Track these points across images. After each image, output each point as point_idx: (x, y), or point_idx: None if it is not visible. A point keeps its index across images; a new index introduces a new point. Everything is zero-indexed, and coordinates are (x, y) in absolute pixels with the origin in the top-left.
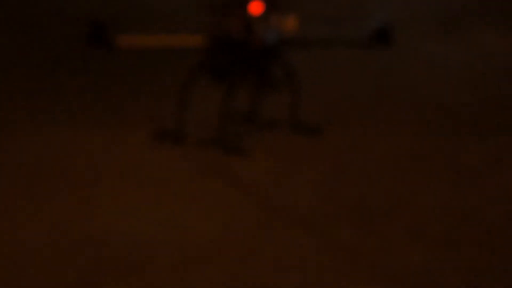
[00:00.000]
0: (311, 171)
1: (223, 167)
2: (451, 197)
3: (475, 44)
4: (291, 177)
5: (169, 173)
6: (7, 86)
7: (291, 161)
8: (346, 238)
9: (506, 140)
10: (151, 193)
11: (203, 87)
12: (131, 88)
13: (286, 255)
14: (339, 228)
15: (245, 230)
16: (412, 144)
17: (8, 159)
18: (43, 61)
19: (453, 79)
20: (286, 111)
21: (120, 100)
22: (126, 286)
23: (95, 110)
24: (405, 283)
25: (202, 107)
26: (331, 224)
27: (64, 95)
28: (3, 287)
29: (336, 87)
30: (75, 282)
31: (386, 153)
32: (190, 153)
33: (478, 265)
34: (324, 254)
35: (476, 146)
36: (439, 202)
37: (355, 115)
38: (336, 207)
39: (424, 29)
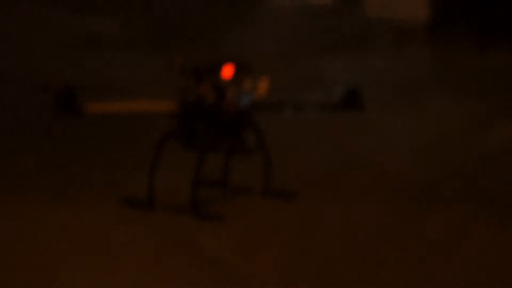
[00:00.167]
0: (278, 246)
1: (190, 241)
2: (417, 269)
3: (432, 110)
4: (258, 253)
5: (135, 248)
6: None
7: (259, 233)
8: None
9: (468, 208)
10: (115, 271)
11: (174, 153)
12: (99, 156)
13: None
14: None
15: None
16: (377, 213)
17: None
18: (5, 131)
19: (413, 146)
20: (258, 176)
21: (86, 169)
22: None
23: (61, 181)
24: None
25: (173, 173)
26: None
27: (29, 167)
28: None
29: (306, 153)
30: None
31: (352, 224)
32: (158, 224)
33: None
34: None
35: (441, 214)
36: (405, 277)
37: (324, 182)
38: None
39: (385, 95)
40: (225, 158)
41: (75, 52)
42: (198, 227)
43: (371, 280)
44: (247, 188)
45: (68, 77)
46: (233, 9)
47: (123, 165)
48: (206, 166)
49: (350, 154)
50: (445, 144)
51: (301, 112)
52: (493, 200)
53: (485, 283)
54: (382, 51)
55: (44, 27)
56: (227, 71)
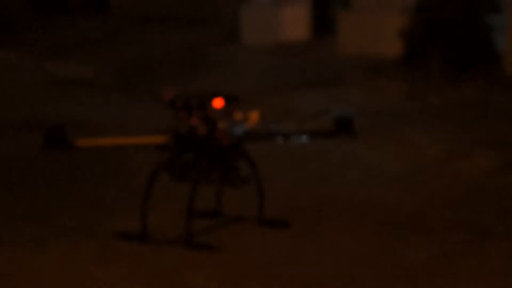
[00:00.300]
0: (271, 276)
1: (182, 273)
2: None
3: (411, 141)
4: (251, 285)
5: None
6: None
7: (253, 264)
8: None
9: (449, 237)
10: None
11: (166, 186)
12: (86, 192)
13: None
14: None
15: None
16: (362, 243)
17: None
18: None
19: (395, 176)
20: (250, 205)
21: (71, 207)
22: None
23: (41, 223)
24: None
25: (165, 205)
26: None
27: (8, 206)
28: None
29: (297, 181)
30: None
31: (340, 255)
32: (150, 258)
33: None
34: None
35: (426, 243)
36: None
37: (310, 212)
38: None
39: (364, 127)
40: (217, 188)
41: (56, 93)
42: (191, 258)
43: None
44: (240, 217)
45: (54, 115)
46: (205, 49)
47: (112, 199)
48: (198, 197)
49: (335, 183)
50: (426, 173)
51: (292, 140)
52: (477, 229)
53: None
54: (357, 86)
55: (21, 72)
56: (218, 102)
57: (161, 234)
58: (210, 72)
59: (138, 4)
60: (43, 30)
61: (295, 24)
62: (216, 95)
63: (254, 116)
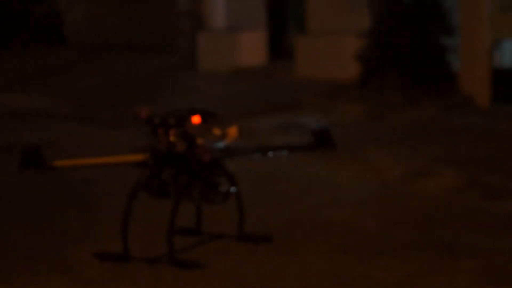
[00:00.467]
0: None
1: None
2: None
3: (371, 162)
4: None
5: None
6: None
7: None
8: None
9: (417, 257)
10: None
11: (146, 204)
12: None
13: None
14: None
15: None
16: (329, 264)
17: None
18: None
19: (359, 196)
20: (231, 221)
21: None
22: None
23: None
24: None
25: (146, 224)
26: None
27: None
28: None
29: (261, 204)
30: None
31: (310, 277)
32: (133, 277)
33: None
34: None
35: (391, 264)
36: None
37: (277, 235)
38: None
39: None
40: (197, 205)
41: (14, 122)
42: (174, 276)
43: None
44: (220, 233)
45: (28, 139)
46: (163, 77)
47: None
48: (179, 214)
49: (300, 205)
50: (390, 193)
51: (270, 155)
52: (444, 248)
53: None
54: (316, 109)
55: None
56: (196, 119)
57: (143, 252)
58: (169, 99)
59: (93, 33)
60: None
61: (251, 49)
62: (193, 112)
63: (232, 132)
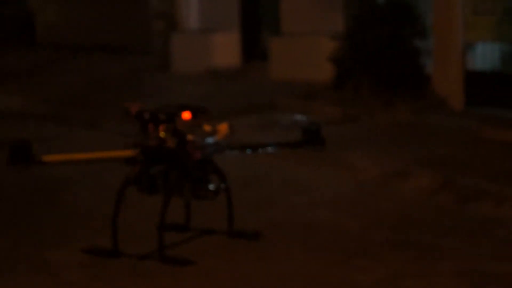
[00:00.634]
0: None
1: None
2: None
3: (348, 163)
4: None
5: None
6: None
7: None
8: None
9: (395, 258)
10: None
11: (135, 200)
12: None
13: None
14: None
15: None
16: (312, 267)
17: None
18: None
19: (337, 197)
20: (221, 217)
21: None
22: None
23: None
24: None
25: (136, 219)
26: None
27: None
28: None
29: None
30: None
31: (288, 279)
32: (122, 272)
33: None
34: None
35: (371, 265)
36: None
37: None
38: None
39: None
40: (187, 201)
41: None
42: (164, 272)
43: None
44: (210, 230)
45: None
46: (136, 78)
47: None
48: (169, 210)
49: (279, 207)
50: (368, 195)
51: (260, 151)
52: (422, 248)
53: None
54: (290, 110)
55: None
56: (186, 115)
57: (134, 248)
58: (143, 100)
59: (66, 34)
60: None
61: (225, 50)
62: (184, 107)
63: (223, 128)
